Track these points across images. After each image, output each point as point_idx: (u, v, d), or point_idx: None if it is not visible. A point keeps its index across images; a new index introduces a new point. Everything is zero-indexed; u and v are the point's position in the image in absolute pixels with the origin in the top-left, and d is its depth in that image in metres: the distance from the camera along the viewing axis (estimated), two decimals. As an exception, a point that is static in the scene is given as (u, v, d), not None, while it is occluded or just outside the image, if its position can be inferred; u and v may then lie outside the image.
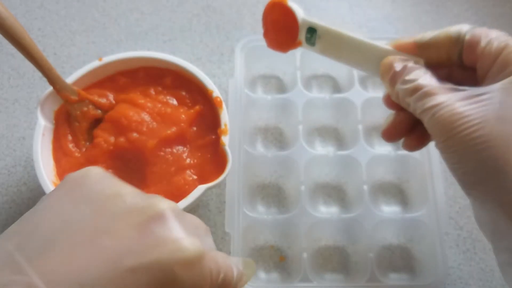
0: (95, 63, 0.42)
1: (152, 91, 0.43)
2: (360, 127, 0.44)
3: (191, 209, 0.44)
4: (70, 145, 0.41)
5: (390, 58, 0.32)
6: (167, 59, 0.43)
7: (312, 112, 0.46)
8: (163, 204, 0.22)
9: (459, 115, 0.26)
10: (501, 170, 0.25)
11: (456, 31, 0.29)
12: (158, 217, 0.21)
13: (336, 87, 0.50)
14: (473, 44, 0.28)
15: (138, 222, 0.21)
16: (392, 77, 0.30)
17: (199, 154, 0.40)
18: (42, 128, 0.40)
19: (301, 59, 0.47)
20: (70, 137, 0.42)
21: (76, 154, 0.41)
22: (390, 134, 0.33)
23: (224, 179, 0.38)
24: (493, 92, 0.26)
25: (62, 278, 0.19)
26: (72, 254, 0.20)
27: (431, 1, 0.56)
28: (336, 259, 0.43)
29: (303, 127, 0.44)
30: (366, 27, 0.54)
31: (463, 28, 0.29)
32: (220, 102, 0.41)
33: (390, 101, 0.32)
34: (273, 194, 0.45)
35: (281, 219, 0.42)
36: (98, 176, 0.23)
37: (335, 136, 0.48)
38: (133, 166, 0.41)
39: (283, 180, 0.46)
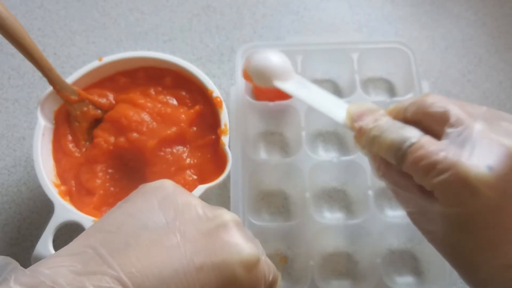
0: (95, 63, 0.42)
1: (152, 91, 0.43)
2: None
3: (191, 209, 0.44)
4: (70, 145, 0.41)
5: (351, 109, 0.34)
6: (167, 59, 0.43)
7: (315, 117, 0.45)
8: (228, 216, 0.26)
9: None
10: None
11: (411, 112, 0.30)
12: (224, 226, 0.25)
13: (338, 92, 0.50)
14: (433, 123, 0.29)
15: (207, 229, 0.24)
16: (358, 133, 0.32)
17: (199, 154, 0.40)
18: (42, 128, 0.40)
19: (302, 64, 0.47)
20: (70, 137, 0.42)
21: (76, 154, 0.41)
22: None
23: (225, 179, 0.37)
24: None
25: (141, 272, 0.21)
26: (150, 252, 0.22)
27: (431, 1, 0.56)
28: (342, 265, 0.42)
29: (306, 133, 0.44)
30: (366, 27, 0.54)
31: (410, 106, 0.31)
32: (220, 102, 0.41)
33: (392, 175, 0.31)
34: (278, 201, 0.45)
35: (287, 227, 0.42)
36: (172, 188, 0.26)
37: (338, 141, 0.47)
38: (133, 166, 0.41)
39: (287, 187, 0.45)
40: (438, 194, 0.26)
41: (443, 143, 0.27)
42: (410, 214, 0.30)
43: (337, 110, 0.36)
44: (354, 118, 0.33)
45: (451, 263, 0.28)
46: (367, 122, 0.31)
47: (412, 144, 0.27)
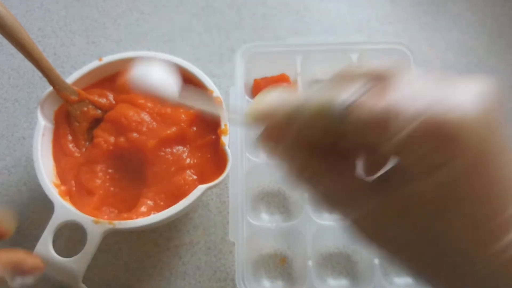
0: (95, 63, 0.42)
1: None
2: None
3: (191, 209, 0.44)
4: (70, 145, 0.41)
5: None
6: (167, 59, 0.43)
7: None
8: None
9: None
10: None
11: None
12: None
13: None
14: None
15: None
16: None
17: (199, 154, 0.40)
18: (42, 128, 0.40)
19: (302, 64, 0.47)
20: (70, 137, 0.42)
21: (76, 154, 0.41)
22: None
23: (225, 179, 0.38)
24: None
25: None
26: None
27: (431, 1, 0.56)
28: (341, 266, 0.42)
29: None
30: (366, 28, 0.54)
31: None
32: (220, 102, 0.41)
33: None
34: (277, 202, 0.45)
35: (285, 227, 0.42)
36: None
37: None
38: (133, 166, 0.41)
39: (286, 187, 0.45)
40: (407, 158, 0.18)
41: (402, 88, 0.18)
42: (356, 222, 0.21)
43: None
44: (259, 113, 0.22)
45: (431, 276, 0.21)
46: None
47: (356, 98, 0.19)
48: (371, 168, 0.20)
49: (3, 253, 0.29)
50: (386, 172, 0.20)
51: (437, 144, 0.17)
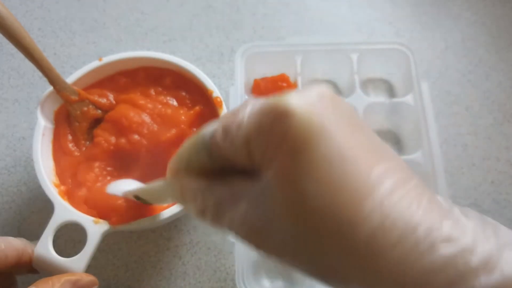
0: (95, 63, 0.42)
1: (152, 92, 0.43)
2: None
3: (191, 209, 0.44)
4: (70, 145, 0.41)
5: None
6: (167, 59, 0.43)
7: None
8: None
9: None
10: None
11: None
12: None
13: (337, 92, 0.50)
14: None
15: None
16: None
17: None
18: (42, 128, 0.40)
19: (302, 64, 0.47)
20: (70, 137, 0.42)
21: (76, 153, 0.41)
22: None
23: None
24: None
25: None
26: None
27: (431, 1, 0.56)
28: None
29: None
30: (366, 27, 0.54)
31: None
32: (220, 102, 0.41)
33: None
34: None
35: None
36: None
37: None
38: (133, 166, 0.41)
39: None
40: (255, 157, 0.18)
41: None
42: (250, 235, 0.19)
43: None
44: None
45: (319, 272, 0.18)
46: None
47: (217, 127, 0.20)
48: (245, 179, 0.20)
49: (59, 275, 0.33)
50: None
51: (269, 129, 0.17)
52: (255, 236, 0.19)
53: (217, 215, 0.21)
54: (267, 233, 0.19)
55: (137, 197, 0.33)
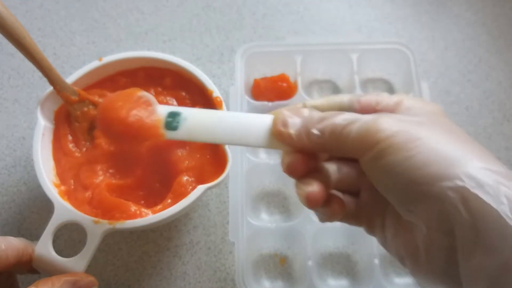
0: (95, 63, 0.42)
1: (152, 92, 0.43)
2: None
3: (191, 209, 0.44)
4: (70, 145, 0.41)
5: (282, 111, 0.28)
6: (167, 59, 0.43)
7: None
8: None
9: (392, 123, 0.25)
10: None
11: (347, 99, 0.29)
12: None
13: (337, 92, 0.50)
14: (368, 106, 0.28)
15: None
16: (304, 123, 0.27)
17: (198, 155, 0.40)
18: (42, 128, 0.40)
19: (302, 64, 0.47)
20: (70, 137, 0.42)
21: (76, 154, 0.41)
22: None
23: (224, 179, 0.38)
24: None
25: None
26: None
27: (431, 1, 0.56)
28: (341, 266, 0.42)
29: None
30: (366, 27, 0.54)
31: (346, 97, 0.29)
32: (220, 102, 0.41)
33: (298, 164, 0.28)
34: (277, 202, 0.45)
35: (285, 227, 0.42)
36: None
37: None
38: (134, 166, 0.41)
39: (286, 187, 0.45)
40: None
41: None
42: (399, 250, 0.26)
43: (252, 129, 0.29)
44: (283, 122, 0.27)
45: None
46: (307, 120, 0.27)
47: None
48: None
49: (59, 275, 0.33)
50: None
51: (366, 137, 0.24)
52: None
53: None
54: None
55: (171, 115, 0.30)
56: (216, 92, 0.41)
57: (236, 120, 0.29)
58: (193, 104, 0.42)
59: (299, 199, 0.28)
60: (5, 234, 0.43)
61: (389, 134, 0.24)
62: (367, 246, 0.41)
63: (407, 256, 0.25)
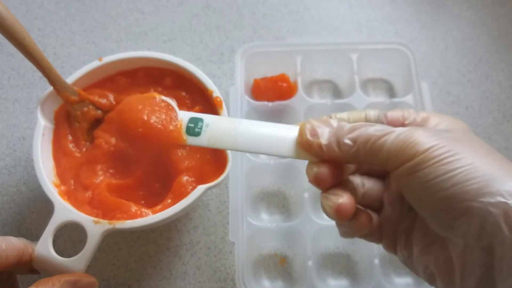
0: (95, 63, 0.42)
1: (152, 92, 0.43)
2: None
3: (191, 209, 0.44)
4: (70, 145, 0.41)
5: (310, 121, 0.28)
6: (167, 59, 0.43)
7: (314, 117, 0.45)
8: None
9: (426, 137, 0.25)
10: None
11: (373, 113, 0.30)
12: None
13: (337, 92, 0.50)
14: (395, 121, 0.29)
15: None
16: (335, 133, 0.27)
17: (198, 155, 0.40)
18: (42, 128, 0.40)
19: (302, 64, 0.47)
20: (70, 137, 0.42)
21: (76, 154, 0.41)
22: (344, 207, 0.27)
23: (224, 179, 0.38)
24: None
25: None
26: None
27: (431, 1, 0.56)
28: (341, 266, 0.42)
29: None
30: (366, 27, 0.54)
31: (372, 111, 0.30)
32: (220, 102, 0.41)
33: (326, 175, 0.27)
34: (277, 202, 0.45)
35: (285, 227, 0.42)
36: None
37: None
38: (134, 166, 0.41)
39: (286, 188, 0.45)
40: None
41: None
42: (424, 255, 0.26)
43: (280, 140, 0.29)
44: (312, 132, 0.27)
45: None
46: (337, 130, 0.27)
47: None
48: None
49: (59, 276, 0.33)
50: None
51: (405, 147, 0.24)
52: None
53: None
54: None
55: (193, 121, 0.30)
56: (216, 92, 0.41)
57: (259, 130, 0.29)
58: (193, 104, 0.42)
59: (325, 212, 0.27)
60: (5, 234, 0.43)
61: (428, 147, 0.24)
62: (367, 246, 0.41)
63: (439, 273, 0.25)
